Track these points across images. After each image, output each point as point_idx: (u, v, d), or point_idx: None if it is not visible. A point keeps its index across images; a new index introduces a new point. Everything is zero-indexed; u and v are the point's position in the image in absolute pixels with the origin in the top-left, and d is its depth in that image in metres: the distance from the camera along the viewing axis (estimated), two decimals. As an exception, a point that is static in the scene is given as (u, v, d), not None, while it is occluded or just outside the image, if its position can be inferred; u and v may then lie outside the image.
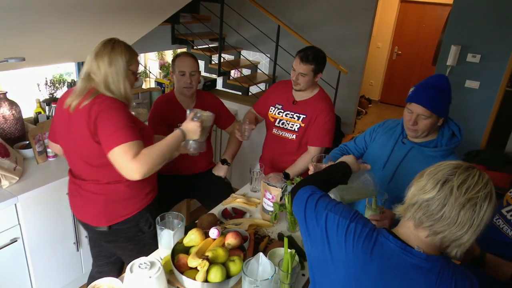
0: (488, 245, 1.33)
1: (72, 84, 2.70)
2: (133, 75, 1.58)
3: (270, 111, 2.31)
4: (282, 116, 2.26)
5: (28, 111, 2.54)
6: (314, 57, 2.05)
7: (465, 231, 0.88)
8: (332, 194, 1.38)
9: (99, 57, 1.48)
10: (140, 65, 1.56)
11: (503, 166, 3.97)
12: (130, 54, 1.53)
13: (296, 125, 2.22)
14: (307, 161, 2.20)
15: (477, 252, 1.29)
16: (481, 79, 4.13)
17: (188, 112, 1.65)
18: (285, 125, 2.25)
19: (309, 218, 1.07)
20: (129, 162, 1.37)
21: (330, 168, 1.32)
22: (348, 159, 1.36)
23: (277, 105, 2.29)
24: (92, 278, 1.90)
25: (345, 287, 0.98)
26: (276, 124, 2.29)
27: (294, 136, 2.24)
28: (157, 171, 1.54)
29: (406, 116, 1.56)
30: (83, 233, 2.32)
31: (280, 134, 2.29)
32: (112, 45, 1.49)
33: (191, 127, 1.59)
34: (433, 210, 0.89)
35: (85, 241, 2.34)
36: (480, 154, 4.10)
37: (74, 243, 2.27)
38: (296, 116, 2.21)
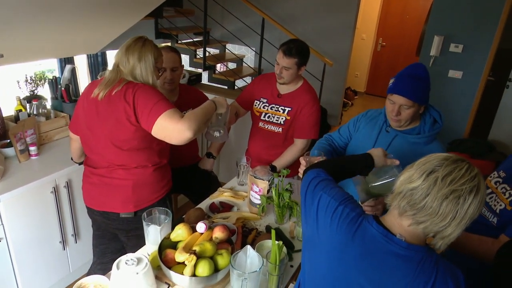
0: (471, 228, 1.35)
1: (53, 81, 2.64)
2: (158, 71, 1.69)
3: (255, 105, 2.30)
4: (267, 109, 2.25)
5: (8, 109, 2.49)
6: (297, 51, 2.04)
7: (448, 223, 0.87)
8: (357, 187, 1.37)
9: (130, 51, 1.57)
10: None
11: (486, 154, 4.06)
12: (158, 52, 1.65)
13: (282, 118, 2.22)
14: (294, 153, 2.21)
15: None
16: (464, 68, 4.20)
17: None
18: (271, 119, 2.25)
19: (308, 198, 1.11)
20: (179, 123, 1.45)
21: (350, 156, 1.33)
22: (375, 151, 1.35)
23: (261, 99, 2.28)
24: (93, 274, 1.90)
25: (329, 268, 1.01)
26: (262, 117, 2.28)
27: (280, 129, 2.24)
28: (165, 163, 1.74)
29: (389, 107, 1.58)
30: (69, 231, 2.29)
31: (266, 127, 2.28)
32: (143, 42, 1.60)
33: (221, 99, 1.75)
34: (416, 199, 0.90)
35: (71, 239, 2.31)
36: (464, 143, 4.18)
37: (60, 242, 2.24)
38: (282, 109, 2.21)
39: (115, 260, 1.87)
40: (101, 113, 1.58)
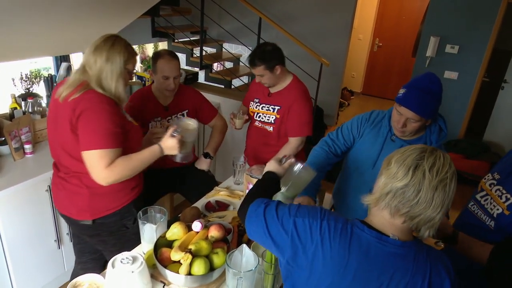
0: (467, 230, 1.36)
1: (49, 79, 2.63)
2: (129, 74, 1.58)
3: (250, 106, 2.35)
4: (259, 109, 2.28)
5: (3, 107, 2.47)
6: (259, 58, 2.04)
7: (439, 211, 0.90)
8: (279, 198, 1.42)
9: (98, 51, 1.47)
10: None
11: (481, 155, 4.08)
12: (129, 53, 1.53)
13: (272, 117, 2.23)
14: (288, 152, 2.22)
15: (450, 230, 1.32)
16: (459, 69, 4.22)
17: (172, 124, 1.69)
18: (262, 118, 2.28)
19: (273, 230, 1.03)
20: (101, 169, 1.43)
21: (260, 181, 1.33)
22: (270, 165, 1.36)
23: (255, 99, 2.32)
24: (75, 275, 1.86)
25: (330, 285, 0.96)
26: (255, 117, 2.32)
27: (271, 128, 2.26)
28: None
29: (395, 117, 1.53)
30: (64, 230, 2.28)
31: (261, 126, 2.32)
32: (113, 42, 1.49)
33: (170, 144, 1.59)
34: (409, 197, 0.90)
35: (66, 238, 2.30)
36: (459, 144, 4.20)
37: (55, 240, 2.23)
38: (272, 108, 2.23)
39: (93, 259, 1.87)
40: (58, 116, 1.52)
